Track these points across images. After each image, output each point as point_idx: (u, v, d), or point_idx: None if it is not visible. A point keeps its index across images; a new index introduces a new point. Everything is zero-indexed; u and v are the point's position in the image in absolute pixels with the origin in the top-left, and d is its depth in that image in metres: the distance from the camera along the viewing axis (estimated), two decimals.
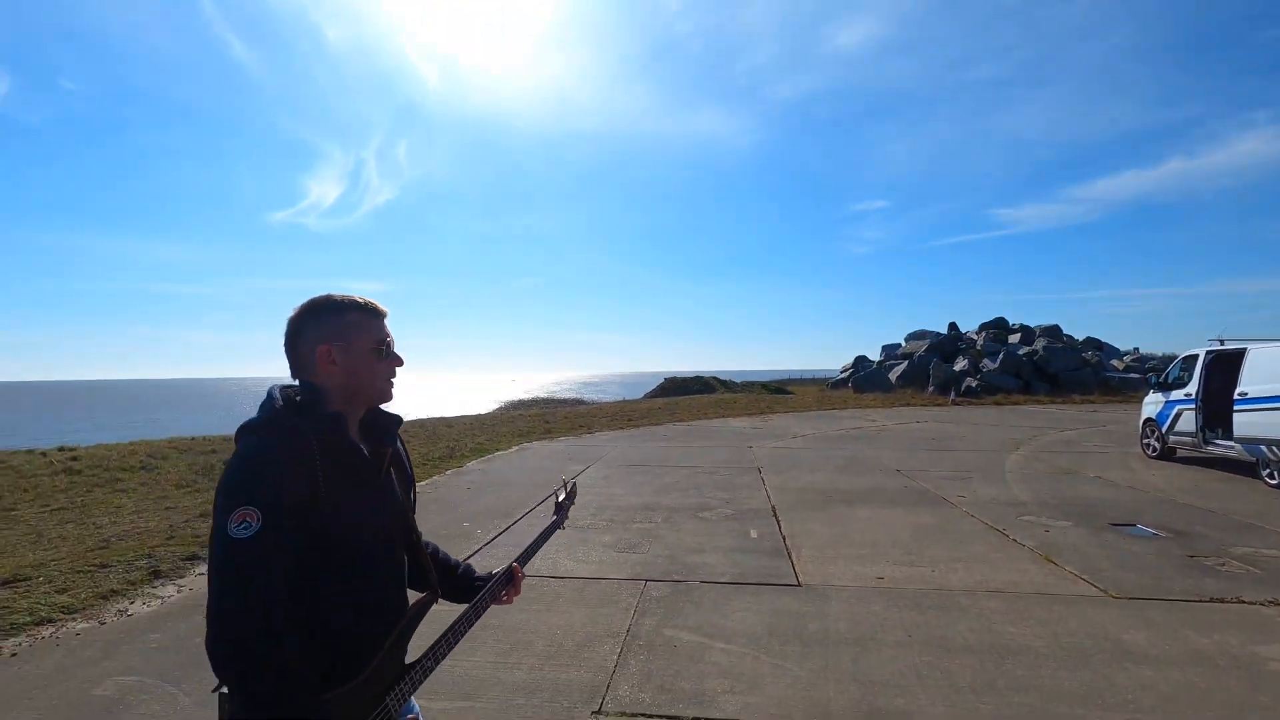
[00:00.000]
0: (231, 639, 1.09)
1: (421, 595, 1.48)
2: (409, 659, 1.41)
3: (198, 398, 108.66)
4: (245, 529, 1.12)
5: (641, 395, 36.63)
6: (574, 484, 2.14)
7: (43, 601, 4.35)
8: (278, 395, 1.31)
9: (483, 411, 25.92)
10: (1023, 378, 27.84)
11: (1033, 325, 32.95)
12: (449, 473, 9.72)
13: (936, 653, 3.59)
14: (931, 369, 29.53)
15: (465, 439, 13.47)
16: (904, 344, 36.11)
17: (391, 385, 1.41)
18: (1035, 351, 29.24)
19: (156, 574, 4.98)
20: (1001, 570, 5.00)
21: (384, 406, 1.45)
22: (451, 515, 6.91)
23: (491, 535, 6.03)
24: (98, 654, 3.66)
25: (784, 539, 5.90)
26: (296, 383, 1.36)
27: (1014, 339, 31.95)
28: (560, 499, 2.05)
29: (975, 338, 33.30)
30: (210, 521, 1.20)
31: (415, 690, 1.40)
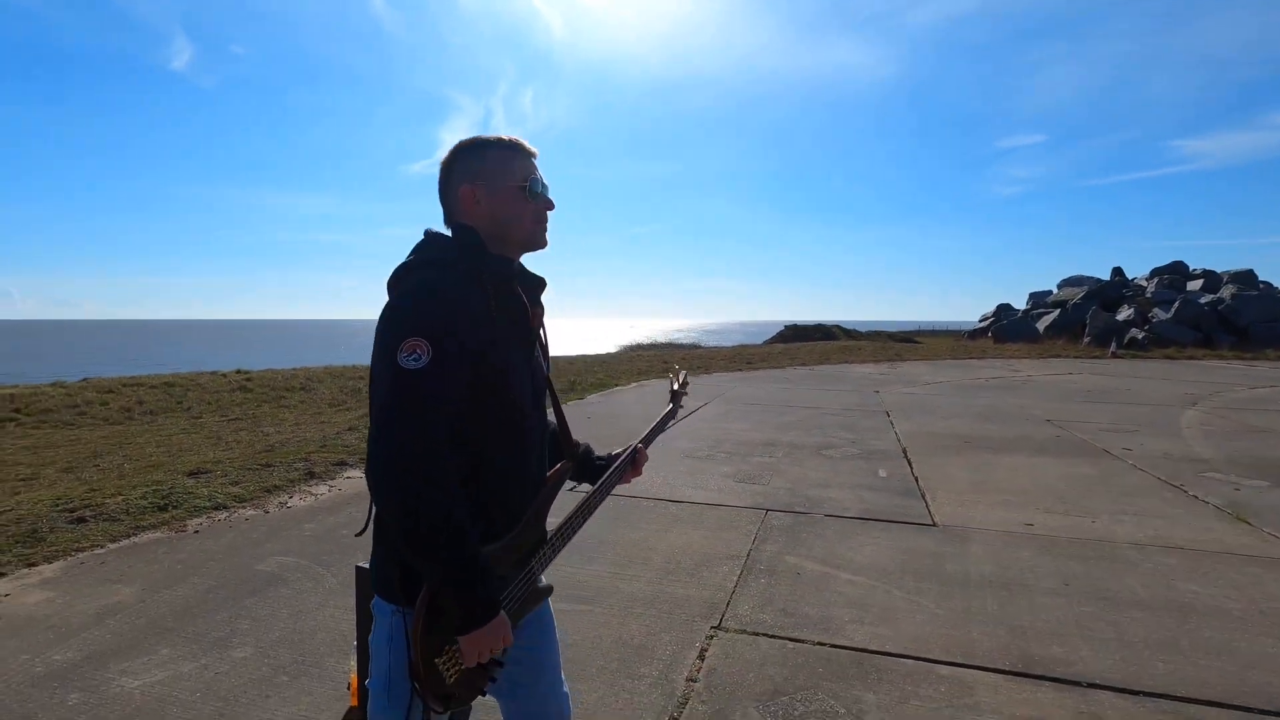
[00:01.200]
0: (398, 468, 1.03)
1: (561, 463, 1.44)
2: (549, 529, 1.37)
3: (346, 336, 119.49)
4: (416, 360, 1.06)
5: (761, 342, 35.92)
6: (685, 374, 2.02)
7: (220, 491, 4.88)
8: (437, 236, 1.25)
9: (603, 352, 26.46)
10: (1203, 330, 24.38)
11: (1219, 271, 28.63)
12: (570, 404, 9.97)
13: (1100, 604, 3.18)
14: (1089, 318, 26.55)
15: (586, 375, 13.77)
16: (1056, 291, 32.69)
17: (543, 230, 1.30)
18: (1221, 300, 25.43)
19: (311, 475, 5.45)
20: (1180, 526, 4.37)
21: (532, 268, 1.36)
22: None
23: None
24: (261, 536, 4.05)
25: (916, 480, 5.51)
26: (449, 232, 1.28)
27: (1194, 285, 27.96)
28: (674, 387, 1.95)
29: (1145, 284, 29.46)
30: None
31: (555, 558, 1.36)
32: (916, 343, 30.73)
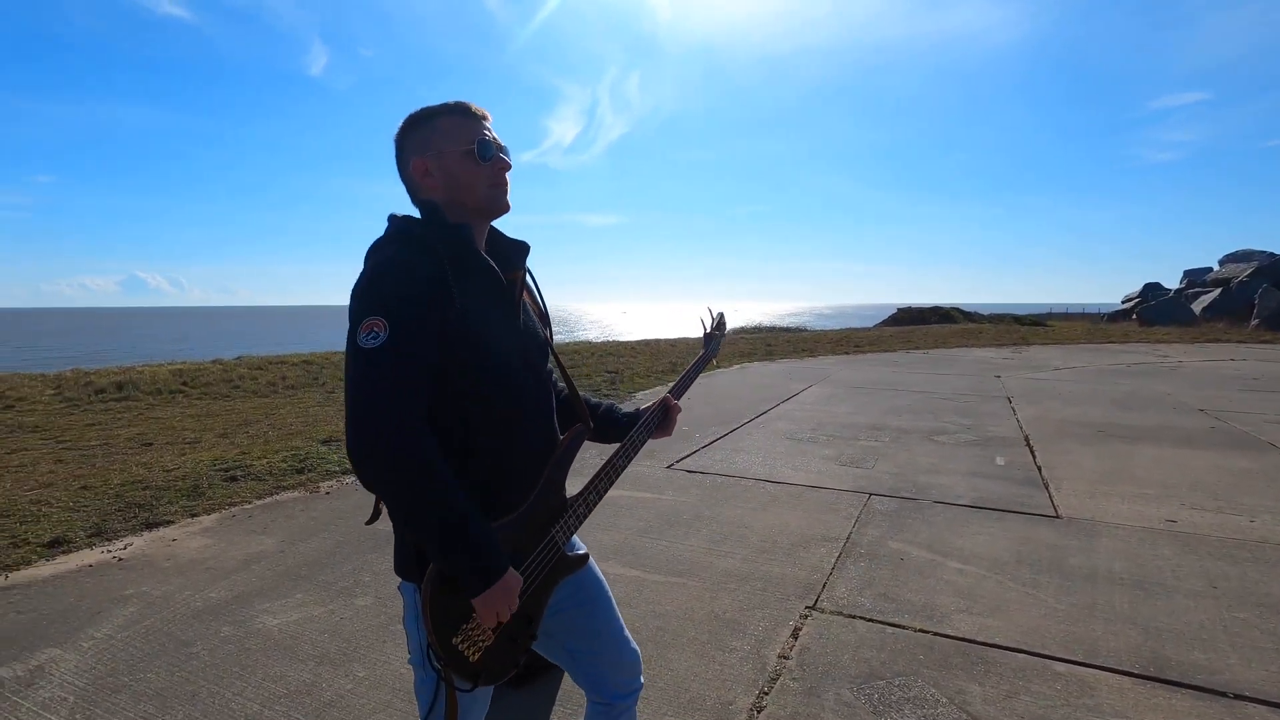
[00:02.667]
0: (368, 436, 1.03)
1: (573, 427, 1.40)
2: (570, 496, 1.36)
3: None
4: (373, 338, 1.06)
5: (871, 326, 34.45)
6: (721, 314, 1.92)
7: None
8: (399, 217, 1.24)
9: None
10: None
11: None
12: (671, 384, 10.02)
13: (1256, 611, 2.84)
14: (1258, 297, 23.42)
15: (688, 357, 13.78)
16: (1218, 268, 29.08)
17: (501, 192, 1.24)
18: None
19: None
20: None
21: (507, 233, 1.34)
22: None
23: (709, 440, 6.07)
24: None
25: (1039, 469, 5.11)
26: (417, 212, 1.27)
27: None
28: (708, 329, 1.86)
29: None
30: None
31: (580, 523, 1.35)
32: (1046, 326, 28.36)
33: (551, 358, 1.43)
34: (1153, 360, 13.39)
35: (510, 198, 1.28)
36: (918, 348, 16.47)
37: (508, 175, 1.26)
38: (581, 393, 1.52)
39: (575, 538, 1.50)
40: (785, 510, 4.17)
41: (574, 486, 1.35)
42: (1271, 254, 27.57)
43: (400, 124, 1.25)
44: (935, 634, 2.65)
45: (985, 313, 41.35)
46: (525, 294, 1.38)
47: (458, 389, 1.17)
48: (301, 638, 2.62)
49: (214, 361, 12.30)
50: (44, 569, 3.28)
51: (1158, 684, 2.32)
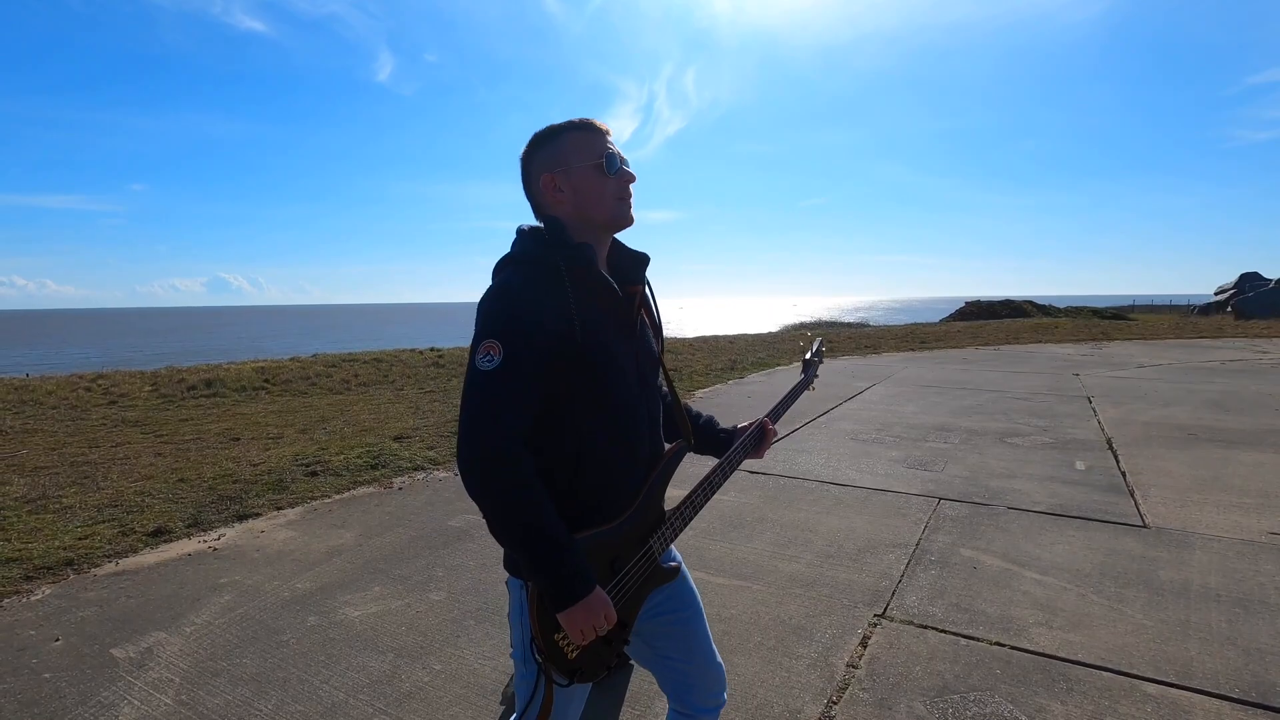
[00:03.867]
0: (471, 452, 1.10)
1: (676, 442, 1.43)
2: (668, 509, 1.38)
3: None
4: (489, 361, 1.12)
5: (937, 320, 33.32)
6: (821, 340, 1.93)
7: (419, 454, 5.52)
8: (526, 231, 1.28)
9: (764, 331, 26.06)
10: None
11: None
12: (731, 382, 9.97)
13: None
14: None
15: (747, 354, 13.67)
16: None
17: (626, 205, 1.28)
18: None
19: None
20: None
21: (630, 245, 1.37)
22: (732, 419, 7.02)
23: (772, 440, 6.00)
24: (452, 495, 4.53)
25: (1123, 475, 4.85)
26: (541, 224, 1.30)
27: None
28: (808, 356, 1.87)
29: None
30: None
31: (676, 536, 1.38)
32: (1129, 320, 26.79)
33: (661, 370, 1.47)
34: (1250, 357, 12.49)
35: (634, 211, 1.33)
36: (988, 344, 15.85)
37: (632, 187, 1.29)
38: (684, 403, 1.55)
39: (672, 548, 1.54)
40: (851, 514, 4.10)
41: (672, 498, 1.38)
42: None
43: (528, 142, 1.29)
44: (1013, 648, 2.56)
45: (1060, 305, 39.39)
46: (642, 307, 1.41)
47: (575, 402, 1.21)
48: (381, 630, 2.75)
49: (292, 359, 12.94)
50: (149, 556, 3.53)
51: (1260, 710, 2.18)
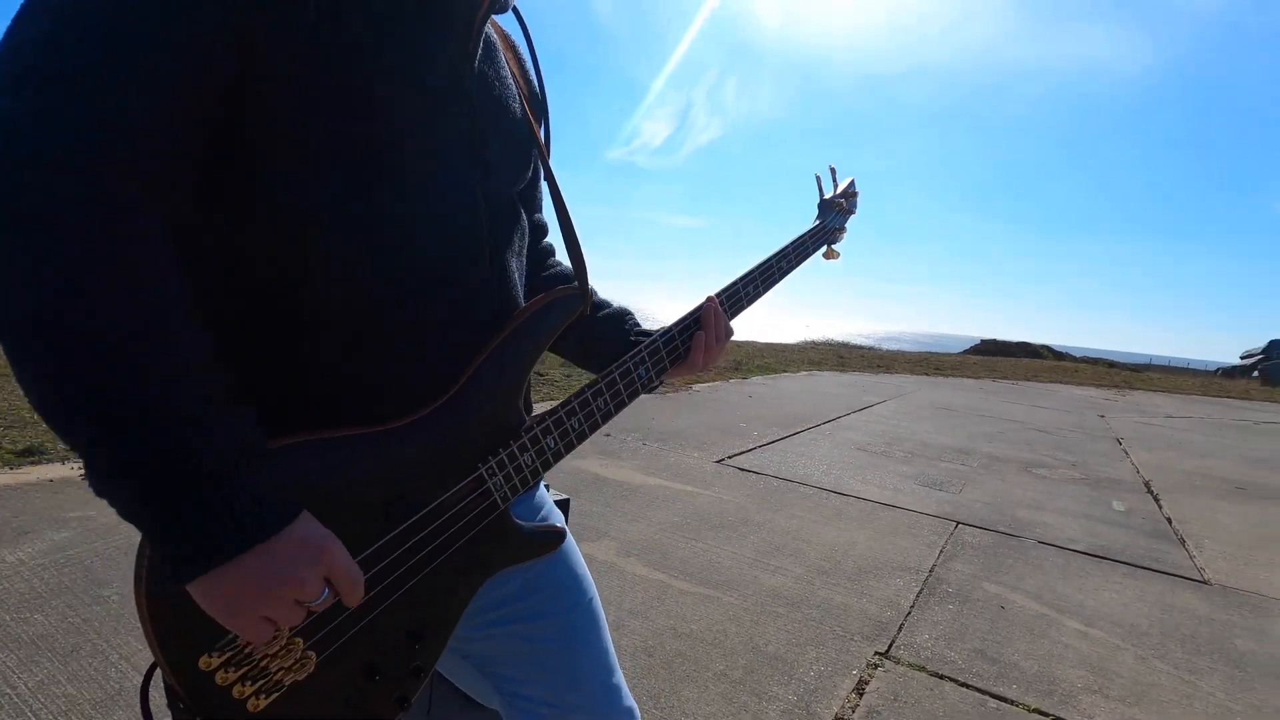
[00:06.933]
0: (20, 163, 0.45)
1: (552, 291, 0.74)
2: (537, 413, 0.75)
3: None
4: None
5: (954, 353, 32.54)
6: (852, 180, 1.20)
7: None
8: None
9: (775, 341, 25.41)
10: None
11: None
12: (732, 381, 9.32)
13: None
14: None
15: (754, 358, 13.01)
16: None
17: None
18: None
19: None
20: None
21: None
22: (728, 414, 6.43)
23: (768, 439, 5.36)
24: None
25: (1168, 520, 4.18)
26: None
27: None
28: (827, 196, 1.13)
29: None
30: None
31: (553, 463, 0.73)
32: (1147, 375, 25.98)
33: (539, 173, 0.83)
34: None
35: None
36: (1005, 378, 15.14)
37: None
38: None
39: (546, 495, 0.90)
40: (852, 526, 3.45)
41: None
42: None
43: None
44: (1059, 719, 1.91)
45: (1076, 355, 38.50)
46: (506, 47, 0.80)
47: (310, 175, 0.58)
48: None
49: None
50: (3, 477, 2.93)
51: None
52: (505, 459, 0.69)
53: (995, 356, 27.73)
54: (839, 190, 1.14)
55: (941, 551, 3.21)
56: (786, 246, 1.01)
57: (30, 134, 0.45)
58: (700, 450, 4.70)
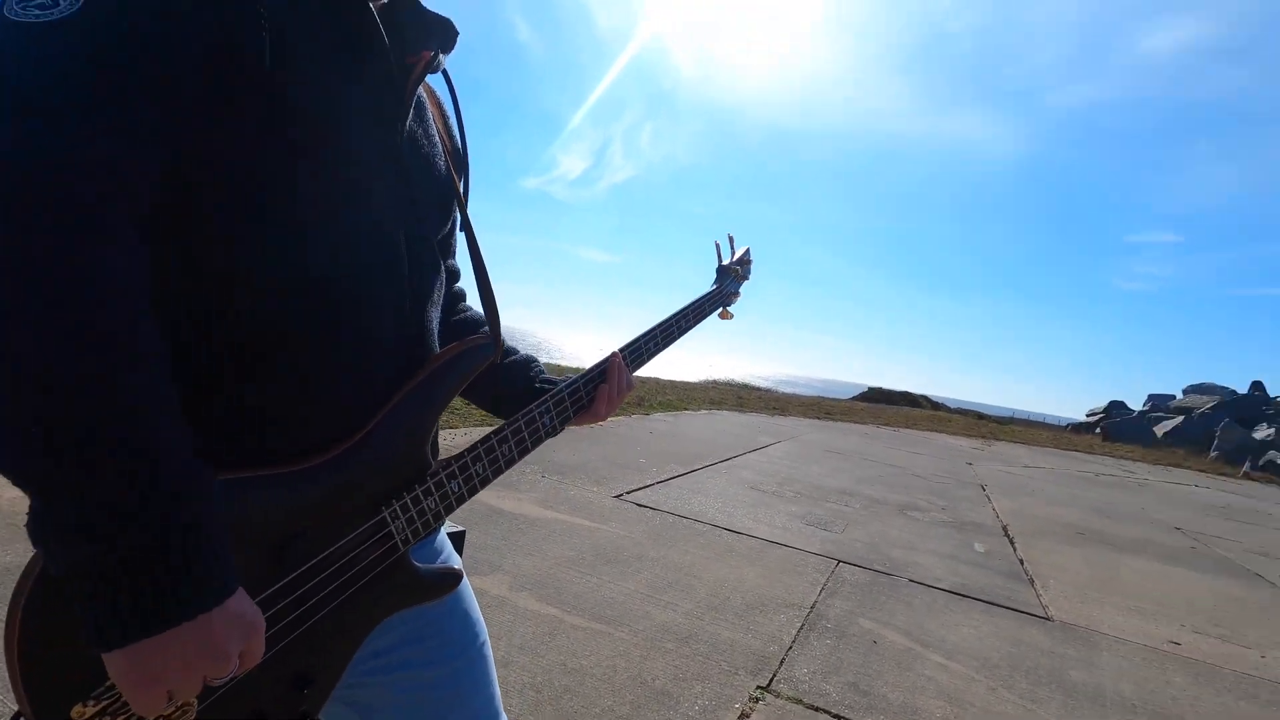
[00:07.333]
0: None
1: (465, 339, 0.78)
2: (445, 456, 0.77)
3: None
4: (44, 9, 0.47)
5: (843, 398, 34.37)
6: (748, 249, 1.30)
7: None
8: None
9: (678, 379, 25.92)
10: None
11: None
12: (635, 416, 9.43)
13: None
14: (1220, 430, 23.81)
15: (656, 394, 13.22)
16: (1180, 396, 29.68)
17: None
18: None
19: None
20: None
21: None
22: (627, 450, 6.50)
23: (666, 476, 5.47)
24: None
25: (1021, 562, 4.60)
26: None
27: None
28: (725, 263, 1.23)
29: None
30: None
31: (454, 508, 0.75)
32: (1010, 427, 28.52)
33: (458, 222, 0.85)
34: (1120, 474, 13.19)
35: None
36: (888, 425, 16.16)
37: None
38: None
39: (444, 536, 0.91)
40: (742, 564, 3.57)
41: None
42: (1233, 391, 28.26)
43: None
44: None
45: (951, 406, 41.70)
46: (433, 105, 0.84)
47: (245, 213, 0.59)
48: None
49: None
50: None
51: None
52: (409, 502, 0.71)
53: (880, 404, 29.54)
54: (735, 257, 1.25)
55: (823, 588, 3.39)
56: (686, 308, 1.10)
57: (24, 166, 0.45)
58: (600, 485, 4.73)
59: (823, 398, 27.94)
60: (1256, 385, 28.31)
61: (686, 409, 11.72)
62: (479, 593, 2.67)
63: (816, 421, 13.75)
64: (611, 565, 3.21)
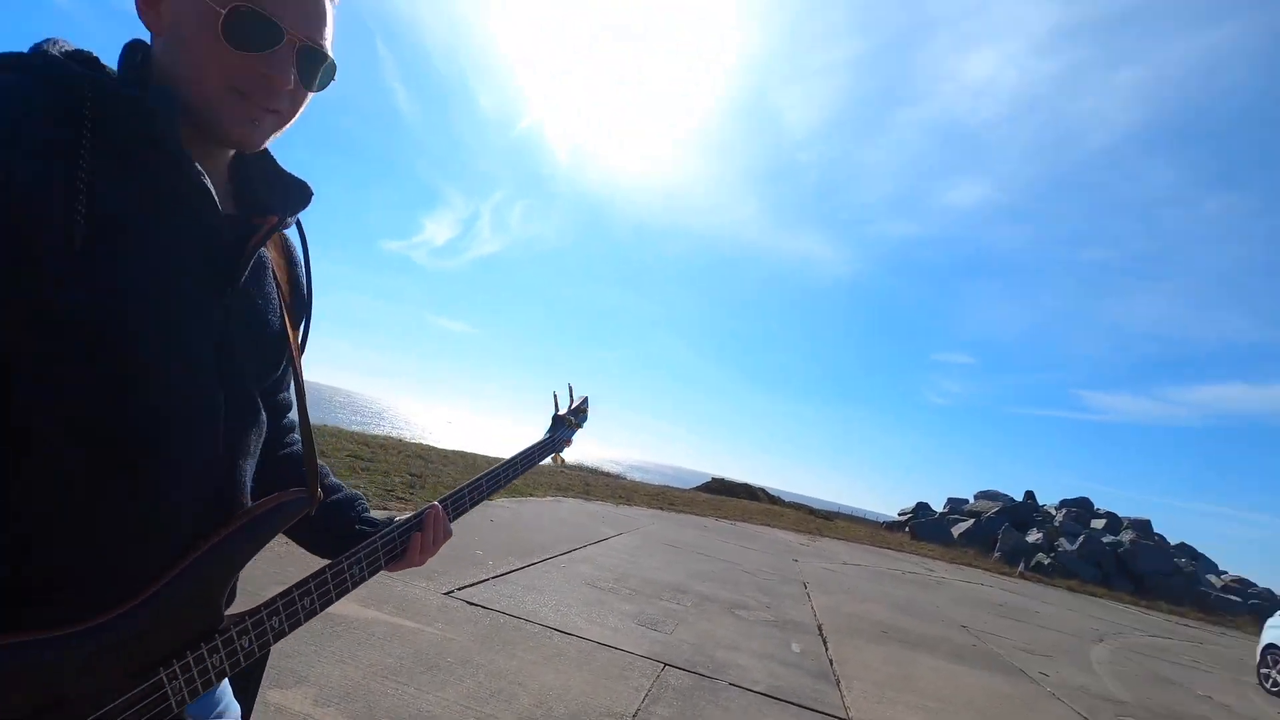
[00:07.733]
0: None
1: (278, 494, 0.79)
2: (237, 611, 0.76)
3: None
4: None
5: (687, 488, 35.34)
6: (585, 398, 1.42)
7: None
8: (60, 43, 0.68)
9: None
10: (1104, 569, 25.13)
11: (1121, 515, 30.09)
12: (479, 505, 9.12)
13: None
14: (1001, 533, 27.17)
15: None
16: (972, 501, 33.68)
17: (253, 112, 0.70)
18: (1120, 544, 26.50)
19: None
20: None
21: (264, 161, 0.81)
22: (467, 539, 6.26)
23: (502, 570, 5.33)
24: None
25: (830, 662, 4.94)
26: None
27: (1098, 524, 29.19)
28: (561, 412, 1.32)
29: (1054, 513, 30.65)
30: None
31: (237, 666, 0.74)
32: (835, 522, 30.71)
33: (288, 377, 0.88)
34: (922, 572, 14.59)
35: (272, 137, 0.75)
36: (726, 517, 16.82)
37: (283, 93, 0.71)
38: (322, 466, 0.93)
39: (226, 694, 0.88)
40: (570, 669, 3.54)
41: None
42: (1012, 498, 32.56)
43: None
44: None
45: (785, 499, 44.29)
46: (278, 252, 0.86)
47: (49, 377, 0.60)
48: None
49: None
50: None
51: None
52: (191, 661, 0.69)
53: (721, 495, 30.68)
54: (572, 407, 1.37)
55: (646, 695, 3.43)
56: (515, 458, 1.17)
57: None
58: (430, 579, 4.51)
59: (669, 487, 28.57)
60: (1029, 494, 32.88)
61: (532, 495, 11.52)
62: (278, 709, 2.44)
63: (660, 512, 14.02)
64: (431, 673, 3.06)
